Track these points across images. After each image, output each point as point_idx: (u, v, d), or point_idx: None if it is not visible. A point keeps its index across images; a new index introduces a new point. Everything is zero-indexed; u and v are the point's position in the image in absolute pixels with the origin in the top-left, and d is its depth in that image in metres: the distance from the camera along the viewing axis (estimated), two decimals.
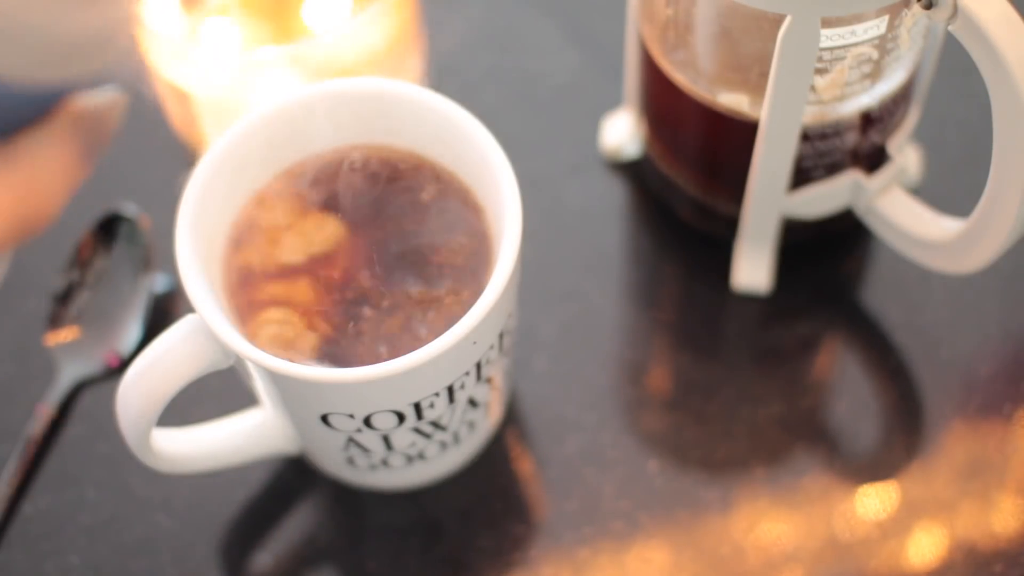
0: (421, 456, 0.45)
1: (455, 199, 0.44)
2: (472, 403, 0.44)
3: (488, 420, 0.47)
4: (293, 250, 0.43)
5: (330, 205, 0.44)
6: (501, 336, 0.42)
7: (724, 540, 0.47)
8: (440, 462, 0.46)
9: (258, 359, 0.39)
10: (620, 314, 0.52)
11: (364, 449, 0.43)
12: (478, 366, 0.41)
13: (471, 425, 0.45)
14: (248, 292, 0.42)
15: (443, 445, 0.45)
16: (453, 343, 0.38)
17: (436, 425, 0.43)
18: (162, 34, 0.49)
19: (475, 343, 0.40)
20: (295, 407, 0.42)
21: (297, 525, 0.48)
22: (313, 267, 0.43)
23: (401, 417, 0.41)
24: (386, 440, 0.43)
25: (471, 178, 0.43)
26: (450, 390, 0.41)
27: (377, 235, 0.43)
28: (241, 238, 0.43)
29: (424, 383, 0.40)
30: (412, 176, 0.44)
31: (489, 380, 0.43)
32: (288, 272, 0.43)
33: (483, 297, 0.39)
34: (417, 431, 0.43)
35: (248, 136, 0.43)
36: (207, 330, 0.39)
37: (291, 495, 0.48)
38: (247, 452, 0.46)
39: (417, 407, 0.41)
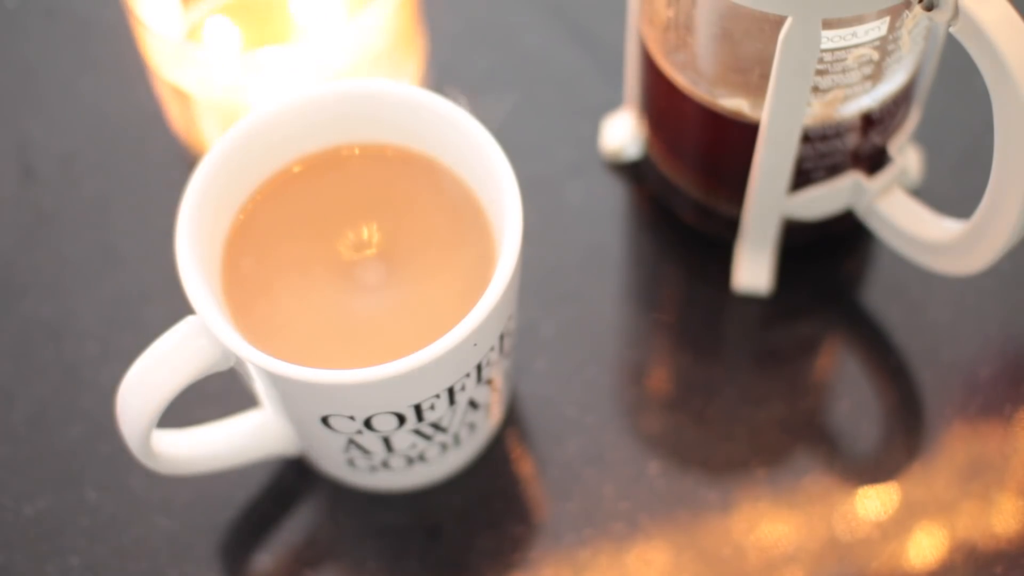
0: (421, 458, 0.45)
1: (456, 199, 0.44)
2: (473, 405, 0.44)
3: (489, 421, 0.47)
4: (291, 250, 0.43)
5: (329, 206, 0.44)
6: (502, 338, 0.42)
7: (725, 541, 0.47)
8: (440, 464, 0.46)
9: (258, 361, 0.39)
10: (620, 315, 0.52)
11: (364, 451, 0.43)
12: (479, 368, 0.41)
13: (471, 427, 0.45)
14: (246, 293, 0.42)
15: (443, 447, 0.45)
16: (454, 345, 0.38)
17: (436, 427, 0.43)
18: (162, 34, 0.49)
19: (476, 345, 0.40)
20: (295, 409, 0.42)
21: (297, 526, 0.48)
22: (311, 266, 0.43)
23: (401, 419, 0.41)
24: (386, 442, 0.43)
25: (471, 178, 0.43)
26: (451, 392, 0.41)
27: (377, 235, 0.43)
28: (240, 238, 0.43)
29: (425, 385, 0.40)
30: (412, 176, 0.44)
31: (490, 382, 0.43)
32: (286, 272, 0.43)
33: (484, 298, 0.39)
34: (417, 433, 0.43)
35: (248, 137, 0.43)
36: (207, 331, 0.39)
37: (291, 496, 0.48)
38: (247, 453, 0.46)
39: (418, 409, 0.41)
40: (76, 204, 0.54)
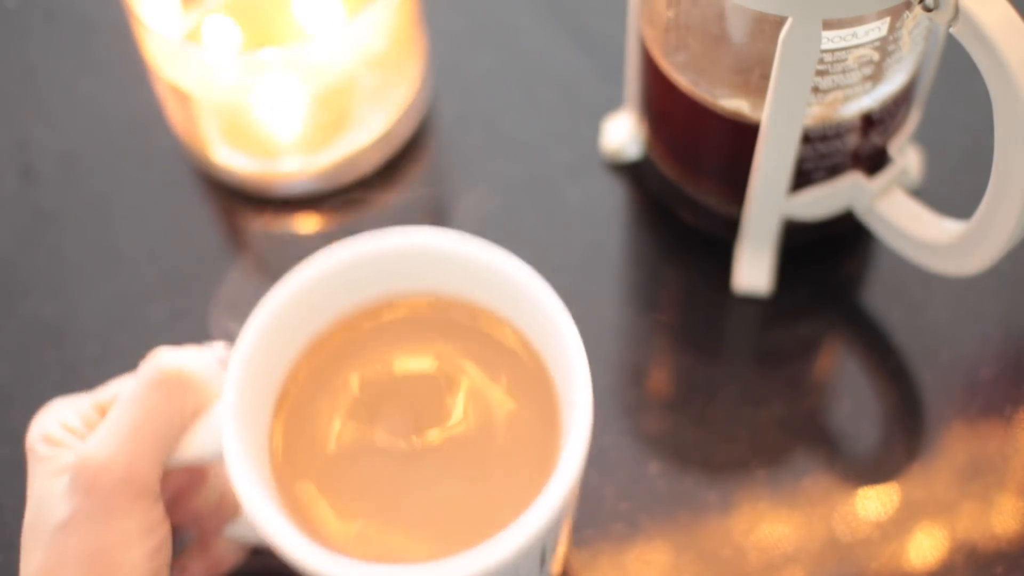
0: None
1: (519, 365, 0.41)
2: None
3: None
4: (344, 426, 0.40)
5: (384, 375, 0.41)
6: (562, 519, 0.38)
7: (725, 542, 0.47)
8: None
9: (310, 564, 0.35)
10: (621, 315, 0.52)
11: None
12: (542, 555, 0.38)
13: None
14: (293, 469, 0.40)
15: None
16: (516, 552, 0.35)
17: None
18: (162, 34, 0.49)
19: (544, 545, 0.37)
20: None
21: None
22: (366, 445, 0.40)
23: None
24: None
25: (536, 340, 0.41)
26: None
27: (436, 411, 0.40)
28: (288, 414, 0.40)
29: None
30: (473, 339, 0.41)
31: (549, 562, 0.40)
32: (339, 451, 0.40)
33: (549, 492, 0.36)
34: None
35: (291, 300, 0.40)
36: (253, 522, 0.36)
37: None
38: None
39: None
40: (76, 204, 0.54)
